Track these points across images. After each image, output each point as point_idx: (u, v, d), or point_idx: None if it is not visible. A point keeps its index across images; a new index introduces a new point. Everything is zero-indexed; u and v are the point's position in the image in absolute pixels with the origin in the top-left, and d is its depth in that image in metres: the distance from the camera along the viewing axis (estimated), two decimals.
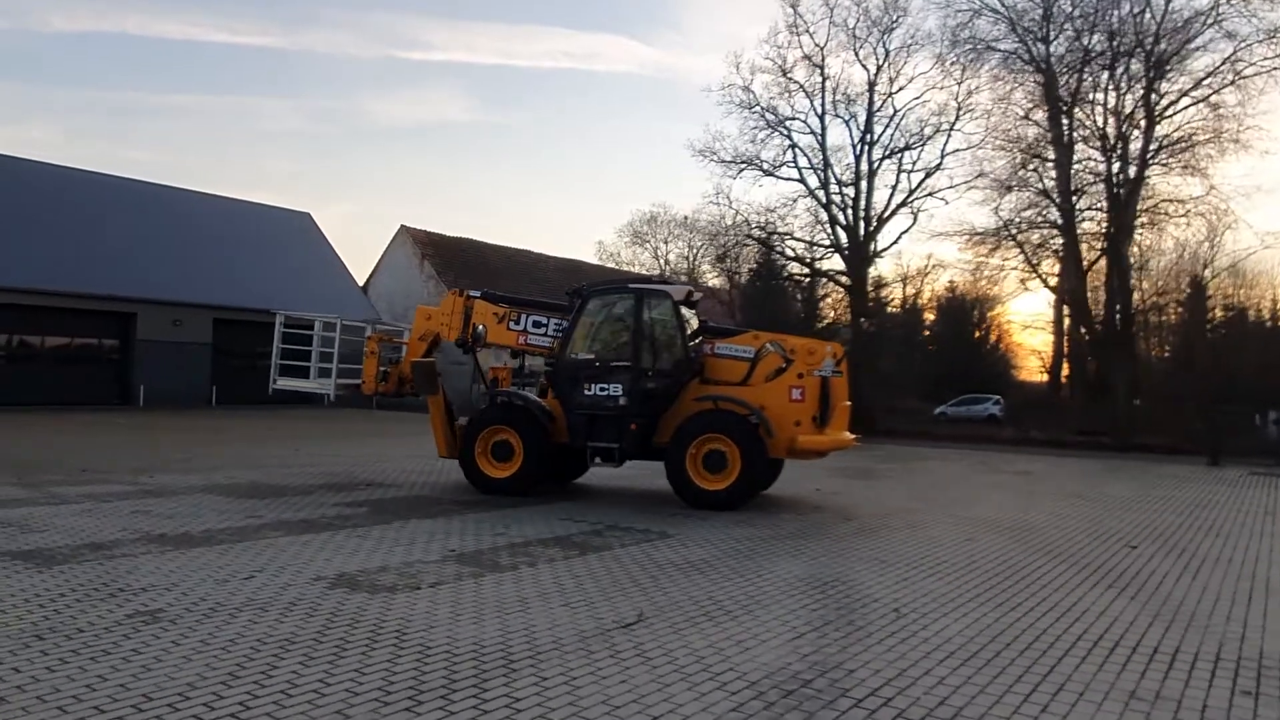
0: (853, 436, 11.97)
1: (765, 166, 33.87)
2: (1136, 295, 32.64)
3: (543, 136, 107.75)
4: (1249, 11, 27.82)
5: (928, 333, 52.11)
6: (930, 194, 32.98)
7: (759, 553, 8.14)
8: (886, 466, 18.40)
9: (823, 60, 32.70)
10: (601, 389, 10.96)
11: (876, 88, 32.70)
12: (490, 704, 4.23)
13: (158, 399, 29.55)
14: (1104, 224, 31.80)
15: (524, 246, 50.87)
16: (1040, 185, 32.80)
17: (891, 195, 33.21)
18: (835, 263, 34.93)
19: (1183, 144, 29.76)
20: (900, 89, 32.77)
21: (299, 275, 35.91)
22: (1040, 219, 33.53)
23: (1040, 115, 33.03)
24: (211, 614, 5.53)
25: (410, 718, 4.04)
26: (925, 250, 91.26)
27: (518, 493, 11.19)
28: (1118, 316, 30.51)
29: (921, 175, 32.57)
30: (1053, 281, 35.13)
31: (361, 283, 41.91)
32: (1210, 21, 28.59)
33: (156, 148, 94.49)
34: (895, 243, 41.65)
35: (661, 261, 67.39)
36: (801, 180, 33.66)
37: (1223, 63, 28.54)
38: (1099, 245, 32.20)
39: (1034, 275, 33.70)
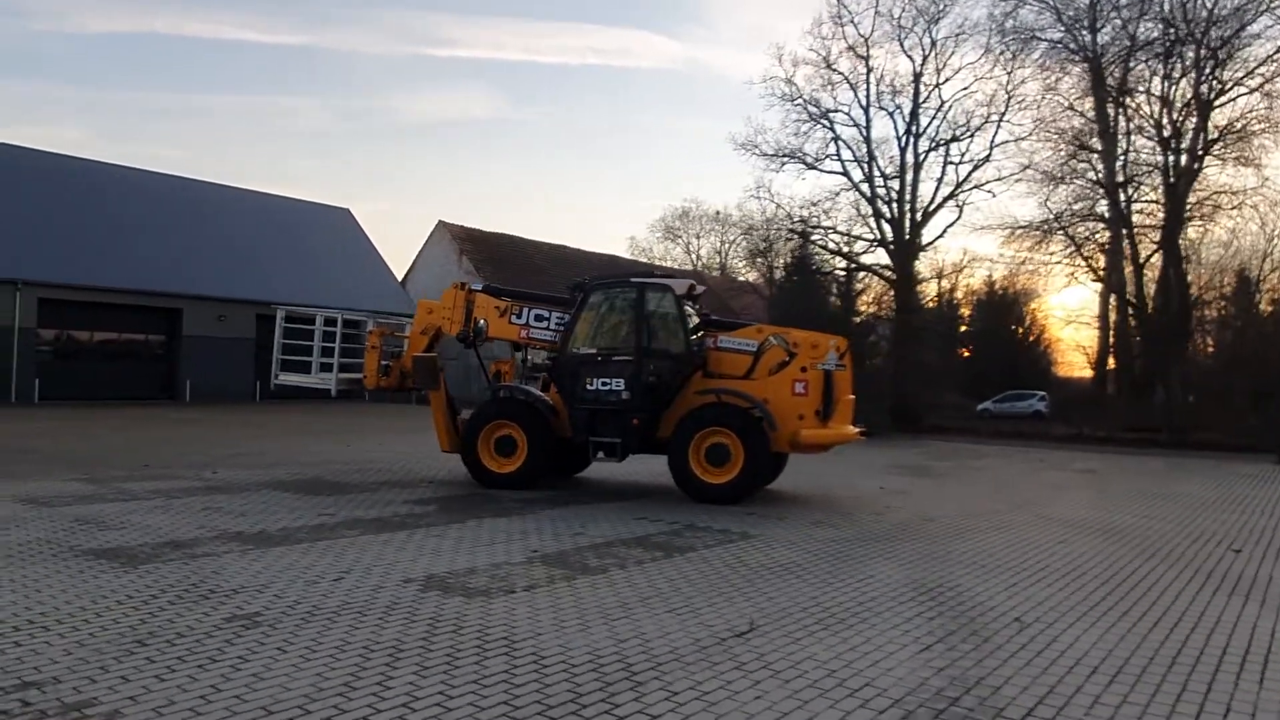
0: (856, 430, 11.79)
1: (808, 160, 33.45)
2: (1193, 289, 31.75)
3: (570, 133, 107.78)
4: None
5: (965, 328, 51.24)
6: (976, 186, 32.35)
7: (849, 555, 7.84)
8: (943, 464, 17.98)
9: (867, 51, 32.15)
10: (604, 383, 10.86)
11: (922, 79, 32.11)
12: (626, 719, 3.99)
13: (203, 394, 29.77)
14: (1158, 216, 31.03)
15: (559, 242, 50.80)
16: (1094, 176, 32.09)
17: (937, 188, 32.61)
18: (878, 257, 34.45)
19: (1238, 134, 28.91)
20: (947, 80, 32.11)
21: (340, 271, 36.03)
22: (1088, 212, 32.81)
23: (1086, 105, 32.32)
24: (310, 618, 5.33)
25: None
26: (960, 245, 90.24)
27: (521, 487, 11.14)
28: (1174, 310, 29.68)
29: (969, 167, 31.90)
30: (1102, 274, 34.34)
31: (399, 278, 41.97)
32: (1265, 7, 27.74)
33: (187, 146, 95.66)
34: (941, 236, 40.83)
35: (694, 257, 67.08)
36: (845, 173, 33.16)
37: (1277, 50, 27.69)
38: (1151, 237, 31.42)
39: (1085, 269, 32.92)
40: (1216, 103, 29.09)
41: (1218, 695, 4.56)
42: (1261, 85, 28.35)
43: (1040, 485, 14.53)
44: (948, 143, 32.36)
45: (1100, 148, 32.01)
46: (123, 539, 7.46)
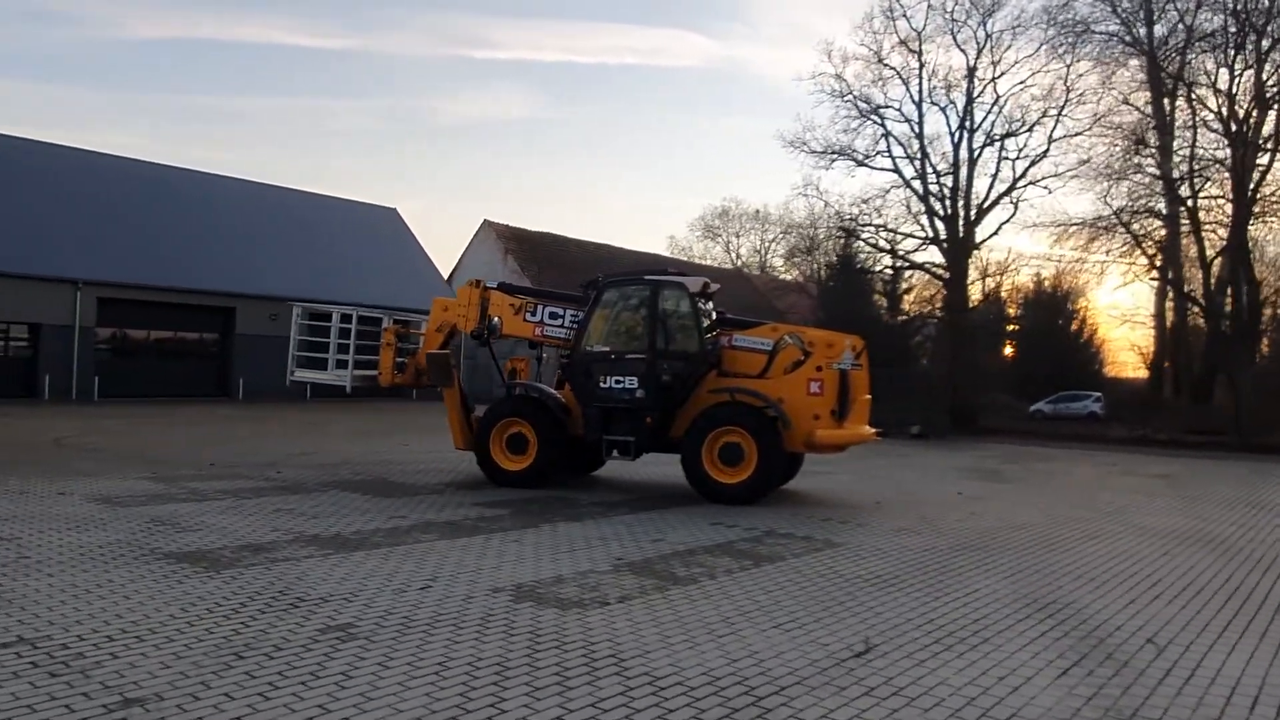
0: (873, 430, 11.56)
1: (858, 157, 32.89)
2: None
3: (609, 132, 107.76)
4: None
5: (1014, 327, 50.06)
6: (1032, 183, 31.51)
7: (946, 567, 7.47)
8: (1011, 468, 17.42)
9: (919, 46, 31.55)
10: (617, 381, 10.78)
11: (976, 73, 31.39)
12: None
13: (255, 392, 30.03)
14: (1223, 212, 30.02)
15: (603, 241, 50.64)
16: (1155, 170, 31.10)
17: (992, 184, 31.84)
18: (928, 255, 33.76)
19: None
20: (1002, 74, 31.32)
21: (388, 269, 36.21)
22: (1142, 209, 31.82)
23: (1143, 99, 31.33)
24: (405, 630, 5.12)
25: None
26: (1004, 243, 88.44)
27: (532, 485, 11.05)
28: (1242, 308, 28.65)
29: (1026, 163, 31.07)
30: (1163, 272, 33.27)
31: (445, 276, 42.10)
32: None
33: (234, 148, 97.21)
34: (995, 233, 39.72)
35: (733, 255, 66.62)
36: (896, 170, 32.57)
37: None
38: (1217, 234, 30.39)
39: (1146, 266, 31.89)
40: None
41: None
42: None
43: (1119, 491, 13.96)
44: (1003, 138, 31.64)
45: (1157, 142, 31.05)
46: (201, 541, 7.34)
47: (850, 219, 33.79)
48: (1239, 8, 27.82)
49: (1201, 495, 13.62)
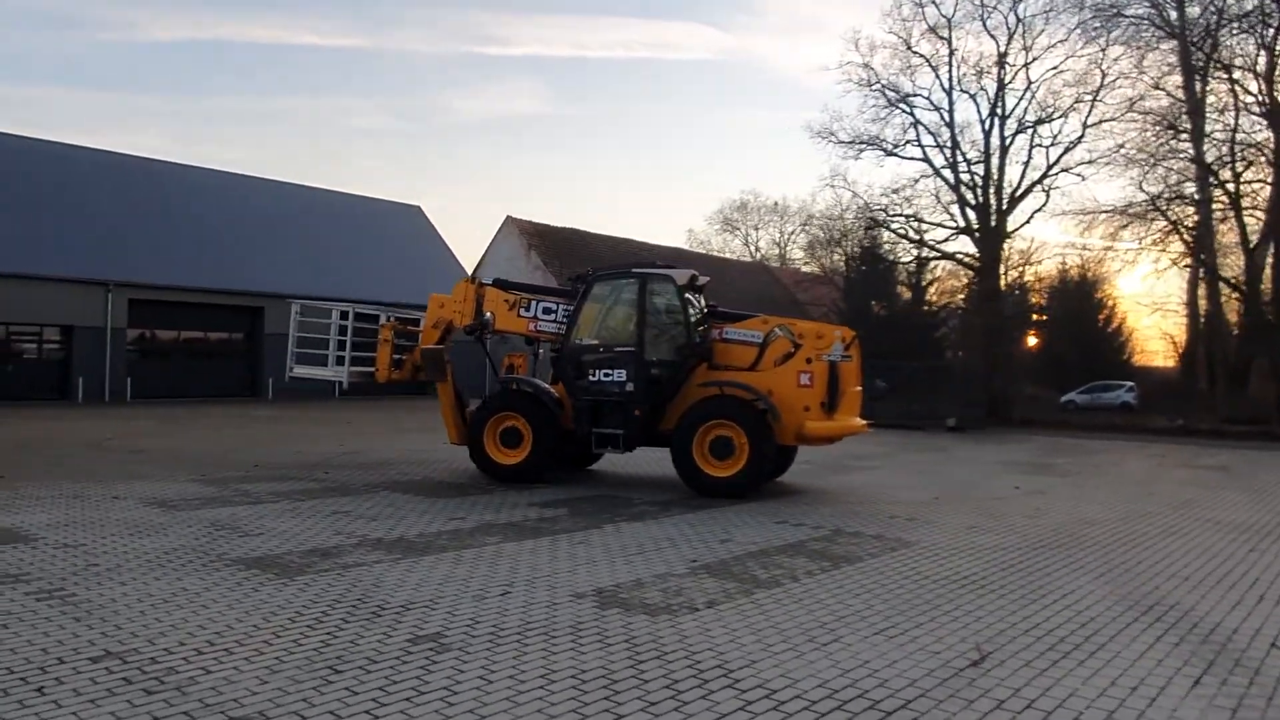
0: (863, 423, 11.48)
1: (886, 146, 32.47)
2: None
3: (622, 127, 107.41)
4: None
5: (1040, 317, 49.36)
6: (1065, 170, 30.97)
7: (1030, 567, 7.22)
8: (1060, 460, 17.08)
9: (949, 32, 31.07)
10: (606, 375, 10.79)
11: (1007, 59, 30.89)
12: None
13: (284, 391, 30.00)
14: (1260, 196, 29.38)
15: (625, 235, 50.41)
16: (1190, 155, 30.48)
17: (1024, 172, 31.33)
18: (959, 245, 33.27)
19: None
20: (1034, 59, 30.79)
21: (413, 267, 36.14)
22: (1174, 194, 31.18)
23: (1173, 83, 30.69)
24: (497, 640, 4.93)
25: None
26: (1029, 232, 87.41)
27: (526, 480, 11.02)
28: None
29: (1060, 149, 30.53)
30: (1203, 258, 32.62)
31: (469, 273, 42.01)
32: None
33: (254, 148, 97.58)
34: (1028, 222, 38.96)
35: (752, 248, 66.23)
36: (925, 159, 32.12)
37: None
38: (1256, 218, 29.73)
39: (1186, 252, 31.26)
40: None
41: None
42: None
43: (1178, 484, 13.62)
44: (1035, 124, 31.12)
45: (1190, 126, 30.42)
46: (266, 546, 7.19)
47: (879, 208, 33.37)
48: None
49: (1267, 488, 13.26)
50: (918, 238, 33.68)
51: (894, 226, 34.01)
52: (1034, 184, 31.03)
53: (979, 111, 32.09)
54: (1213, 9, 28.77)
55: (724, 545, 7.77)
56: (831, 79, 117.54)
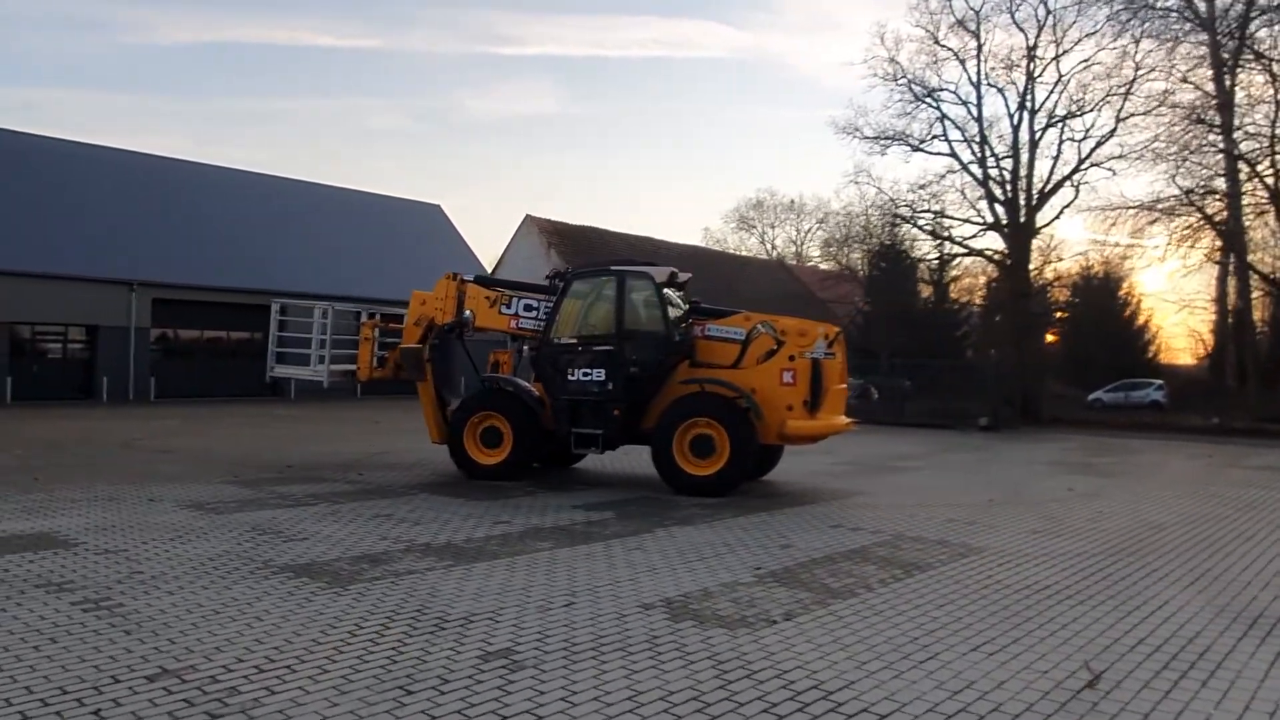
0: (848, 421, 11.20)
1: (913, 141, 31.99)
2: None
3: (639, 125, 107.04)
4: None
5: (1063, 314, 48.64)
6: (1096, 165, 30.39)
7: (1110, 574, 6.86)
8: (1103, 460, 16.66)
9: (978, 25, 30.55)
10: (585, 374, 10.62)
11: (1037, 52, 30.34)
12: None
13: (306, 391, 29.85)
14: None
15: (644, 234, 50.09)
16: (1221, 147, 29.86)
17: (1054, 166, 30.78)
18: (986, 241, 32.77)
19: None
20: (1065, 52, 30.23)
21: (433, 266, 35.85)
22: (1205, 188, 30.54)
23: (1205, 76, 30.06)
24: (572, 656, 4.63)
25: None
26: (1048, 229, 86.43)
27: (505, 479, 10.88)
28: None
29: (1092, 144, 29.95)
30: (1227, 254, 31.97)
31: (489, 272, 41.81)
32: None
33: (272, 148, 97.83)
34: (1058, 217, 38.37)
35: (768, 246, 65.74)
36: (953, 154, 31.61)
37: None
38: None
39: (1222, 247, 30.65)
40: None
41: None
42: None
43: (1233, 484, 13.19)
44: (1065, 118, 30.55)
45: (1220, 120, 29.80)
46: (312, 552, 6.93)
47: (905, 204, 32.88)
48: None
49: None
50: (945, 234, 33.19)
51: (920, 223, 33.53)
52: (1064, 179, 30.51)
53: (1007, 106, 31.81)
54: (1242, 2, 28.22)
55: (785, 551, 7.45)
56: (851, 77, 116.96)
